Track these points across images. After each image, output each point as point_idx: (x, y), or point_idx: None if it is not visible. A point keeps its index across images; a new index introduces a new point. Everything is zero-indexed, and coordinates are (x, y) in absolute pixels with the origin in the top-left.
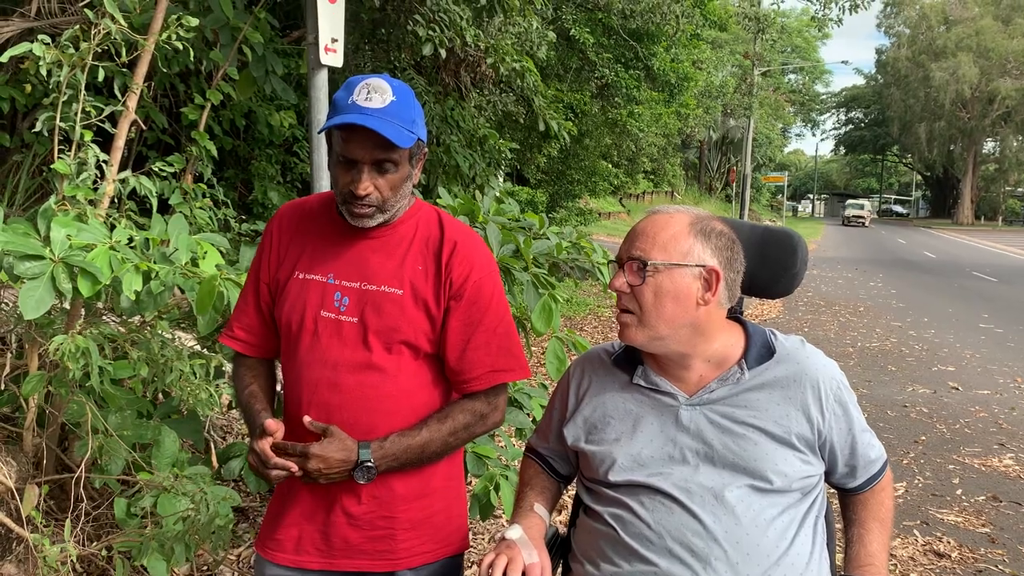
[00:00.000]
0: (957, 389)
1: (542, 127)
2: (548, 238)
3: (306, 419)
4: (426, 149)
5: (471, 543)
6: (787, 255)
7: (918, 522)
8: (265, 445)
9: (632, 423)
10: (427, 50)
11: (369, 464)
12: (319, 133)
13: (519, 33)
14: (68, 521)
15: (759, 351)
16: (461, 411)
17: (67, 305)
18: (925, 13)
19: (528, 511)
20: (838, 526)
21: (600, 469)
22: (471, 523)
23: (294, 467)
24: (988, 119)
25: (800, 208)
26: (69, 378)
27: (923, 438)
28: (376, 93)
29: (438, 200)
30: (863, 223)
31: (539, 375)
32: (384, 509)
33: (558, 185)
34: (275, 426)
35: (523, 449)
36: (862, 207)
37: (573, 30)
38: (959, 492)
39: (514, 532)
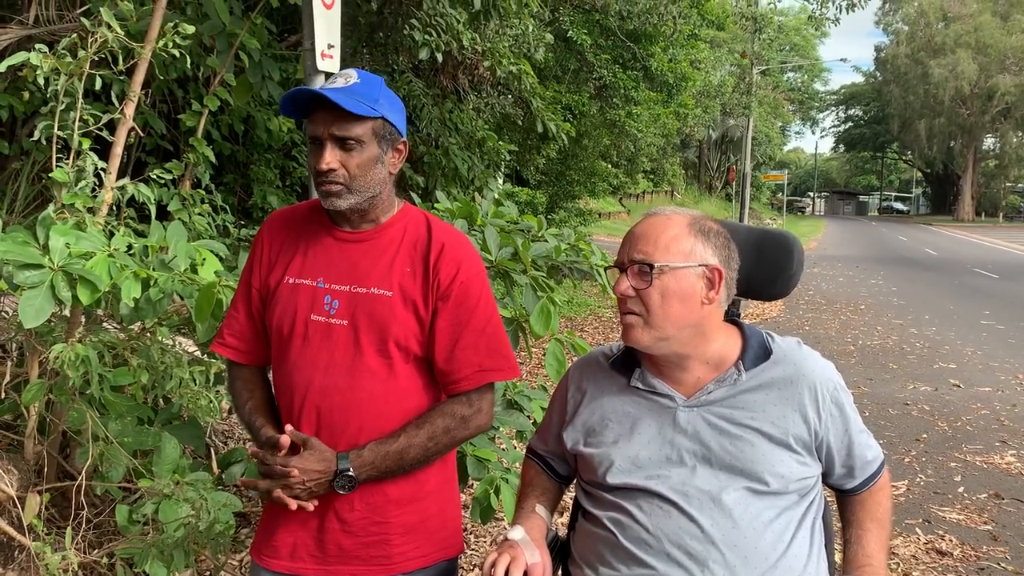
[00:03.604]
0: (958, 386)
1: (540, 128)
2: (547, 240)
3: (288, 428)
4: (404, 139)
5: (473, 546)
6: (783, 256)
7: (920, 520)
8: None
9: (630, 425)
10: (424, 54)
11: (349, 474)
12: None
13: (516, 35)
14: (69, 528)
15: (756, 352)
16: (440, 415)
17: (67, 313)
18: (923, 10)
19: (530, 512)
20: (837, 526)
21: (598, 471)
22: (472, 526)
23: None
24: (988, 115)
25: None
26: (69, 386)
27: (924, 436)
28: (341, 78)
29: (436, 205)
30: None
31: (539, 377)
32: (377, 514)
33: (557, 186)
34: (287, 441)
35: (524, 451)
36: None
37: (571, 31)
38: (961, 490)
39: (516, 533)
